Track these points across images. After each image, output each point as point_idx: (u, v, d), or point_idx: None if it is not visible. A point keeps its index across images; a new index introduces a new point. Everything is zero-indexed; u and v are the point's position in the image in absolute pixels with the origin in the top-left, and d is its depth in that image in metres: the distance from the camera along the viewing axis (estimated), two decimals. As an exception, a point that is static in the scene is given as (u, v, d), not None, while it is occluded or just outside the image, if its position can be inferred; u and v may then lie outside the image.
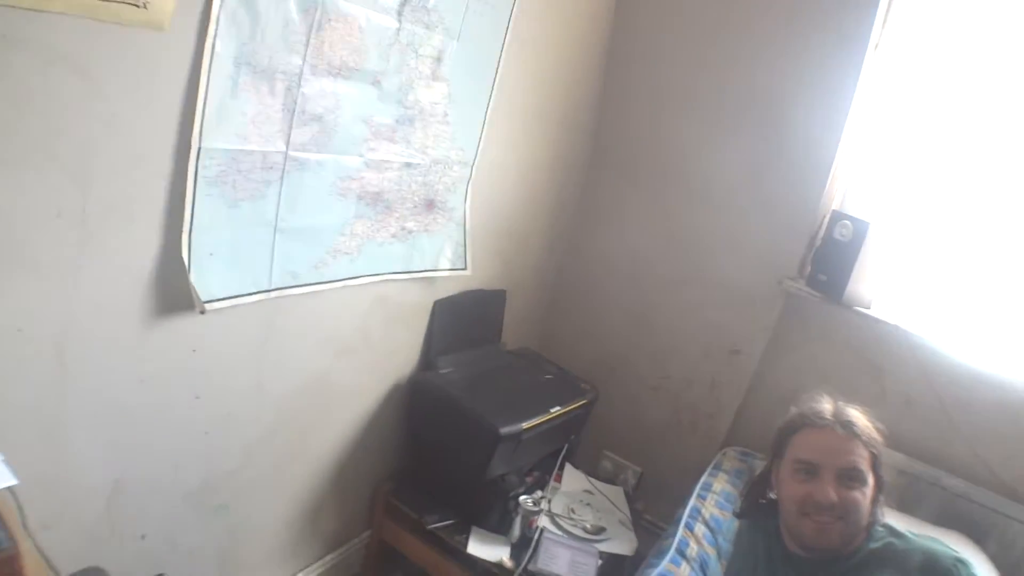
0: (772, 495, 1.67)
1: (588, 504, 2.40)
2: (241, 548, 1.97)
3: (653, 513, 2.55)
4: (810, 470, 1.51)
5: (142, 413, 1.54)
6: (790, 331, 2.41)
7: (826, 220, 2.27)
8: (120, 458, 1.54)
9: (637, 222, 2.70)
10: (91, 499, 1.52)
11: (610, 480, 2.66)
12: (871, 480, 1.50)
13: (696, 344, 2.60)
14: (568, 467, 2.52)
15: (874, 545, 1.50)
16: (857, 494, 1.47)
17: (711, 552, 1.96)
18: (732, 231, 2.48)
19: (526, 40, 2.13)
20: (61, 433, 1.40)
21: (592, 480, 2.55)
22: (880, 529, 1.53)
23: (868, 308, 2.24)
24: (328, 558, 2.33)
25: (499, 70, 2.05)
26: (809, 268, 2.31)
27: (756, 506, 1.73)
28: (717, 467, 2.29)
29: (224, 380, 1.68)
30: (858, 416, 1.55)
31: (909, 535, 1.52)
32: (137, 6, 1.19)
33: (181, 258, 1.43)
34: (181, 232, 1.42)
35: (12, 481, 1.07)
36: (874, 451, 1.51)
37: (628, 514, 2.44)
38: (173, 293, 1.46)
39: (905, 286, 2.28)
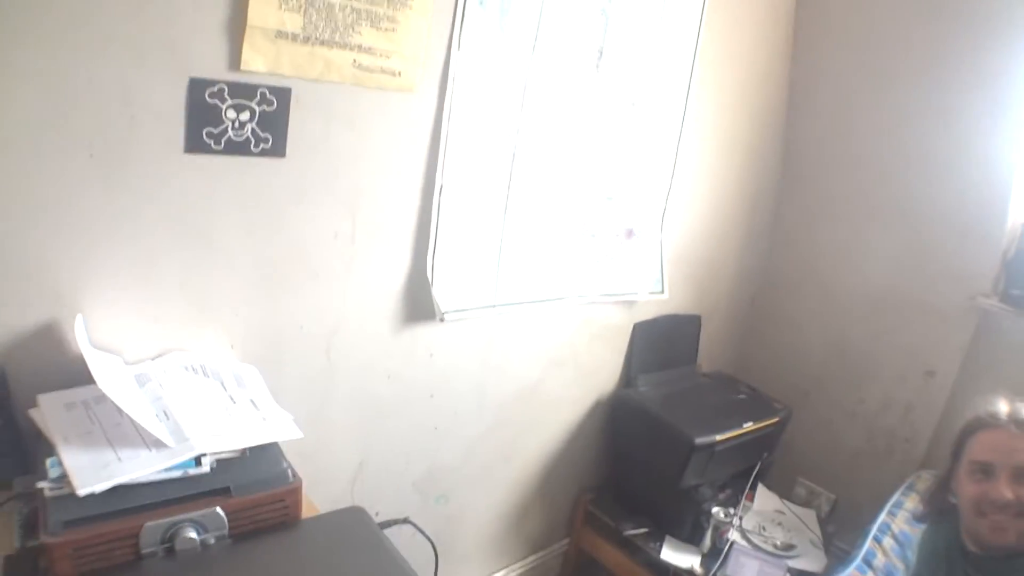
0: (952, 499, 1.70)
1: (779, 524, 2.48)
2: (455, 538, 2.24)
3: (844, 540, 2.53)
4: (986, 470, 1.55)
5: (387, 405, 1.88)
6: (986, 349, 2.38)
7: (1018, 233, 2.26)
8: (366, 443, 1.88)
9: (827, 247, 2.78)
10: (339, 475, 1.87)
11: (803, 506, 2.70)
12: None
13: (890, 367, 2.62)
14: (760, 487, 2.60)
15: (1050, 545, 1.51)
16: None
17: (899, 565, 2.01)
18: (922, 250, 2.50)
19: (709, 80, 2.34)
20: (325, 414, 1.76)
21: (785, 501, 2.62)
22: (1058, 529, 1.54)
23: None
24: (529, 559, 2.57)
25: (686, 108, 2.28)
26: (1002, 283, 2.30)
27: (938, 510, 1.77)
28: (910, 488, 2.30)
29: (453, 382, 2.00)
30: None
31: None
32: (393, 74, 1.56)
33: (426, 275, 1.78)
34: (427, 253, 1.77)
35: (299, 434, 1.41)
36: None
37: (819, 535, 2.49)
38: (417, 304, 1.81)
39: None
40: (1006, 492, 1.50)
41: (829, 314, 2.80)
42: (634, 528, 2.40)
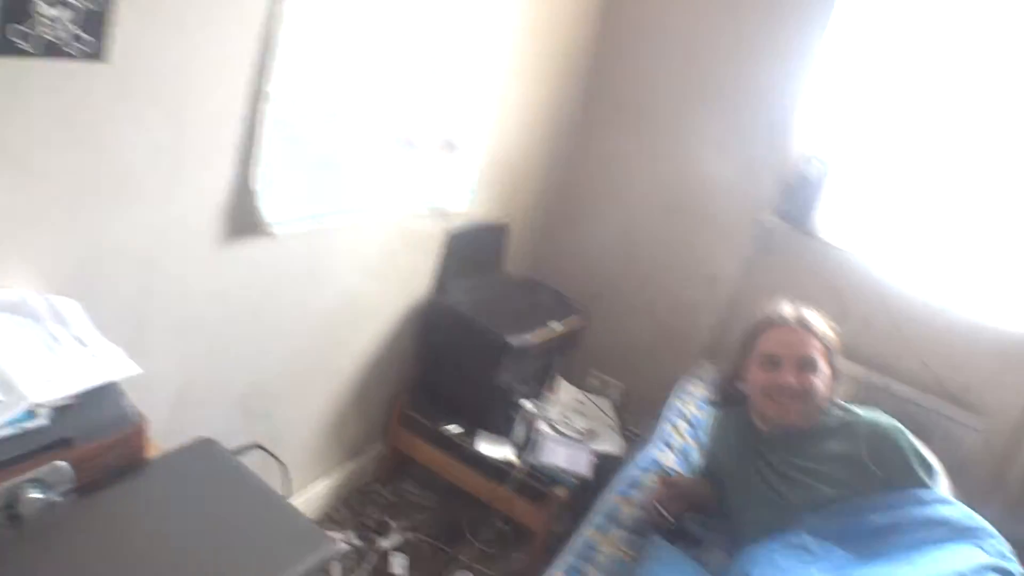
0: (741, 387, 1.94)
1: (580, 412, 2.70)
2: (279, 452, 2.21)
3: (636, 425, 2.81)
4: (773, 361, 1.81)
5: (210, 325, 1.77)
6: (762, 259, 2.69)
7: (796, 159, 2.54)
8: (189, 365, 1.77)
9: (627, 163, 2.94)
10: (162, 403, 1.73)
11: (597, 396, 2.94)
12: (826, 369, 1.81)
13: (678, 272, 2.89)
14: (562, 380, 2.80)
15: (828, 421, 1.82)
16: (813, 379, 1.78)
17: (693, 445, 2.27)
18: (713, 170, 2.73)
19: (522, 12, 2.34)
20: (146, 342, 1.60)
21: (583, 392, 2.85)
22: (834, 408, 1.84)
23: (831, 238, 2.53)
24: (348, 464, 2.60)
25: (503, 26, 2.26)
26: (780, 202, 2.59)
27: (728, 397, 2.02)
28: (696, 376, 2.60)
29: (277, 297, 1.92)
30: (813, 315, 1.85)
31: (856, 410, 1.84)
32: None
33: (250, 188, 1.66)
34: (252, 164, 1.64)
35: (137, 370, 1.31)
36: (827, 344, 1.82)
37: (616, 421, 2.75)
38: (242, 218, 1.69)
39: (865, 218, 2.56)
40: (791, 379, 1.77)
41: (624, 224, 2.99)
42: (449, 426, 2.49)
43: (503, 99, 2.46)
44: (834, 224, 2.53)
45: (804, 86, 2.51)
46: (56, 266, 1.37)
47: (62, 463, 1.12)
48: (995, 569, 1.50)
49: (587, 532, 1.80)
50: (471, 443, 2.44)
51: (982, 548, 1.56)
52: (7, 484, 1.06)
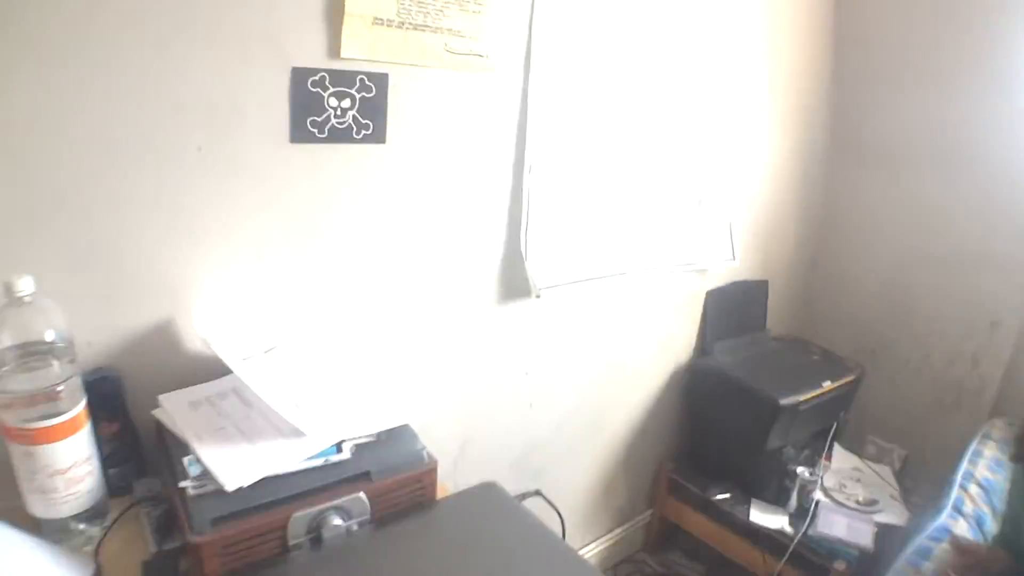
0: None
1: (858, 480, 2.52)
2: (545, 515, 2.29)
3: (920, 494, 2.56)
4: None
5: (487, 383, 1.92)
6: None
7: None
8: (467, 424, 1.92)
9: (885, 208, 2.80)
10: (443, 457, 1.88)
11: (875, 463, 2.72)
12: None
13: (954, 321, 2.65)
14: (837, 447, 2.65)
15: None
16: None
17: (986, 510, 2.03)
18: (981, 202, 2.51)
19: (760, 59, 2.39)
20: (429, 395, 1.79)
21: (861, 459, 2.67)
22: None
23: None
24: (616, 532, 2.64)
25: (743, 86, 2.33)
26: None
27: None
28: (986, 436, 2.33)
29: (546, 358, 2.04)
30: None
31: None
32: (480, 56, 1.59)
33: (519, 251, 1.81)
34: (519, 231, 1.81)
35: (428, 415, 1.44)
36: None
37: (898, 490, 2.52)
38: (511, 281, 1.85)
39: None
40: None
41: (890, 271, 2.83)
42: (720, 493, 2.45)
43: (749, 153, 2.48)
44: None
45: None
46: (345, 325, 1.58)
47: (362, 495, 1.25)
48: None
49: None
50: (742, 511, 2.37)
51: None
52: (314, 510, 1.20)
